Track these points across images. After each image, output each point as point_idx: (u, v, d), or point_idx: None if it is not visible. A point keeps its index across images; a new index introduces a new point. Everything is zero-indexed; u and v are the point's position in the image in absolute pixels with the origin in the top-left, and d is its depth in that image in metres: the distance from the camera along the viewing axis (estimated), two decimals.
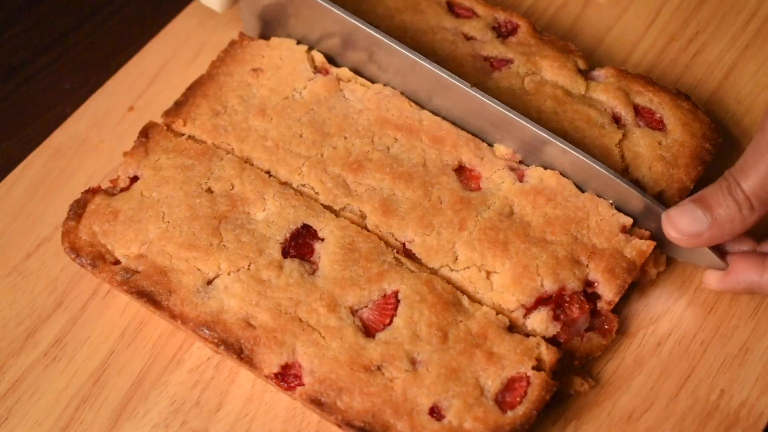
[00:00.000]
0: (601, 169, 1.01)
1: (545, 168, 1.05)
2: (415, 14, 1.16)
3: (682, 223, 0.97)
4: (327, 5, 1.09)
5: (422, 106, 1.09)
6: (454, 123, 1.08)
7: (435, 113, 1.08)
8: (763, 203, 0.95)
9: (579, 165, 1.02)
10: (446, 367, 0.94)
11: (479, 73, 1.11)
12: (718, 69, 1.19)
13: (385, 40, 1.07)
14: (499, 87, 1.10)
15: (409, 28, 1.15)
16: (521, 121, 1.02)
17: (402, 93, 1.09)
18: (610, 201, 1.03)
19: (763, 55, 1.20)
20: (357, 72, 1.12)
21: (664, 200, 1.04)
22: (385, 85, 1.10)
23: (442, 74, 1.05)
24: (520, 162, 1.06)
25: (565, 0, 1.26)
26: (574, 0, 1.26)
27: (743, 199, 0.94)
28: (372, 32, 1.07)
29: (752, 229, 0.98)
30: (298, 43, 1.14)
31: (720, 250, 1.01)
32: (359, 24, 1.08)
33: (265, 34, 1.16)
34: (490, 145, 1.07)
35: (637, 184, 1.05)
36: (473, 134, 1.07)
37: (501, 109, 1.03)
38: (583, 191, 1.04)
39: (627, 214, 1.02)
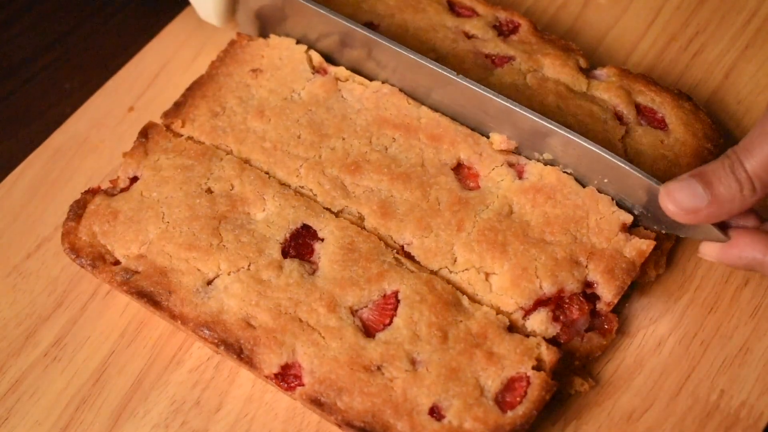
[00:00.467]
0: (603, 153, 0.99)
1: (545, 159, 1.04)
2: (415, 13, 1.16)
3: (680, 198, 0.95)
4: (320, 9, 1.09)
5: (422, 102, 1.09)
6: (455, 117, 1.08)
7: (435, 108, 1.08)
8: (765, 185, 0.93)
9: (581, 154, 1.01)
10: (446, 367, 0.94)
11: (481, 70, 1.11)
12: (718, 69, 1.19)
13: (377, 39, 1.07)
14: (501, 83, 1.10)
15: (410, 26, 1.15)
16: (520, 110, 1.02)
17: (402, 89, 1.09)
18: (611, 196, 1.02)
19: (763, 55, 1.20)
20: (356, 69, 1.12)
21: None
22: (384, 82, 1.10)
23: (434, 67, 1.05)
24: (517, 150, 1.05)
25: (565, 0, 1.26)
26: (574, 0, 1.26)
27: (745, 179, 0.93)
28: (363, 32, 1.07)
29: (756, 206, 0.97)
30: (297, 42, 1.14)
31: (722, 224, 0.99)
32: (351, 26, 1.08)
33: (261, 35, 1.17)
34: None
35: None
36: (474, 128, 1.07)
37: (500, 100, 1.03)
38: (583, 186, 1.03)
39: (630, 208, 1.02)
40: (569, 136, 1.01)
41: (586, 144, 1.01)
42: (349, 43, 1.10)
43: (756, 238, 0.96)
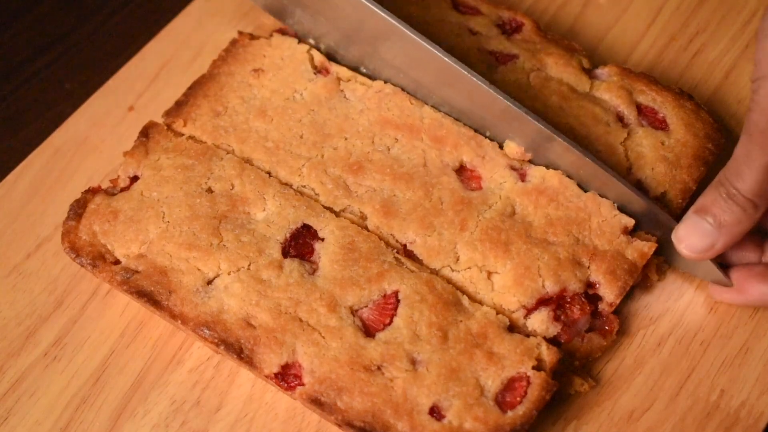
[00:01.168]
0: (607, 172, 1.01)
1: (550, 165, 1.04)
2: (420, 8, 1.16)
3: (693, 241, 0.97)
4: None
5: (427, 99, 1.08)
6: (461, 114, 1.07)
7: (440, 105, 1.07)
8: (765, 198, 0.95)
9: (585, 163, 1.02)
10: (446, 367, 0.94)
11: (484, 67, 1.11)
12: (719, 69, 1.19)
13: (399, 25, 1.04)
14: (504, 81, 1.10)
15: (415, 20, 1.14)
16: (528, 116, 1.01)
17: (405, 88, 1.08)
18: (614, 201, 1.03)
19: None
20: (363, 61, 1.10)
21: (667, 201, 1.04)
22: (386, 81, 1.09)
23: (453, 63, 1.03)
24: (530, 161, 1.05)
25: (565, 0, 1.26)
26: (575, 0, 1.26)
27: (745, 202, 0.94)
28: (387, 17, 1.04)
29: (755, 228, 0.98)
30: (300, 41, 1.13)
31: (725, 264, 1.01)
32: (374, 8, 1.04)
33: (278, 13, 1.14)
34: (493, 140, 1.06)
35: (640, 185, 1.05)
36: (479, 128, 1.06)
37: (510, 104, 1.02)
38: (587, 190, 1.04)
39: (630, 214, 1.02)
40: (574, 149, 1.01)
41: (593, 162, 1.01)
42: (356, 36, 1.08)
43: (757, 273, 0.99)
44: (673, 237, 0.98)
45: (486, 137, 1.07)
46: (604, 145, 1.06)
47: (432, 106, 1.08)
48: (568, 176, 1.04)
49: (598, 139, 1.06)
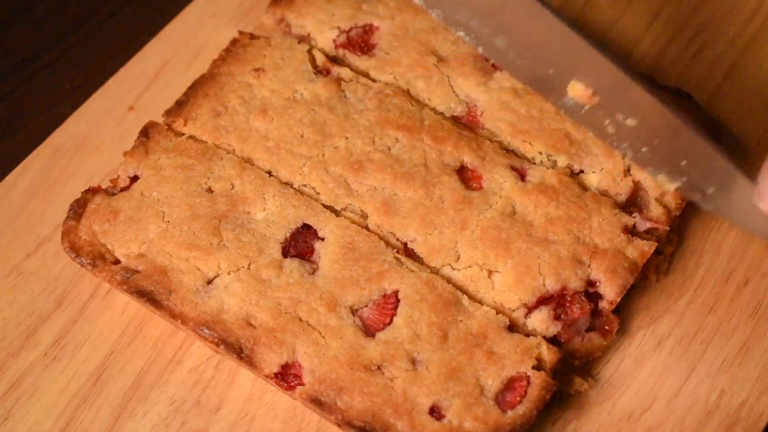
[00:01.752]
0: (680, 120, 0.92)
1: (617, 113, 0.94)
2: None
3: None
4: None
5: (488, 23, 0.96)
6: (525, 44, 0.96)
7: (503, 31, 0.96)
8: None
9: (655, 111, 0.93)
10: (446, 367, 0.94)
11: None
12: (718, 69, 1.19)
13: None
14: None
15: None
16: (607, 59, 0.92)
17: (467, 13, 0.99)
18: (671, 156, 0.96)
19: (763, 55, 1.20)
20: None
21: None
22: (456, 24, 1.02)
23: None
24: (598, 105, 0.96)
25: (565, 0, 1.26)
26: (574, 0, 1.26)
27: None
28: None
29: None
30: (300, 42, 1.14)
31: None
32: None
33: None
34: (556, 80, 0.97)
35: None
36: (543, 64, 0.97)
37: (586, 43, 0.93)
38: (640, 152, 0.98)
39: (686, 169, 0.95)
40: (650, 97, 0.92)
41: (674, 115, 0.93)
42: None
43: None
44: (755, 197, 0.90)
45: (549, 75, 0.97)
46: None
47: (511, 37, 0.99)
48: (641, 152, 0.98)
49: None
